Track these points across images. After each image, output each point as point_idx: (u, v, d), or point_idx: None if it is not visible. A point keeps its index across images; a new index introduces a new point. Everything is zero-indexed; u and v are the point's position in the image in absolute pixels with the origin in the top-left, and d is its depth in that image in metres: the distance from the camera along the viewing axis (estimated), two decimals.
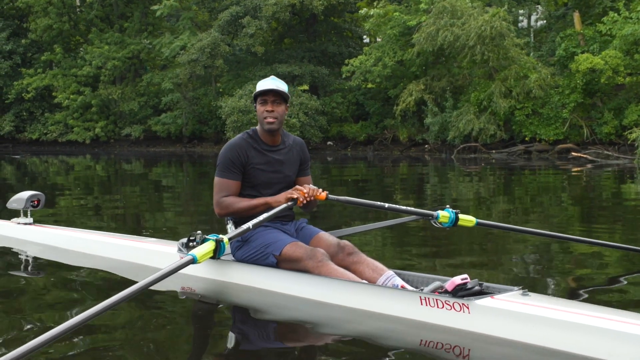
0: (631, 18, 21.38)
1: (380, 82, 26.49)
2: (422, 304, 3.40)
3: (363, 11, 26.94)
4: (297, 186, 3.99)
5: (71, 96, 33.33)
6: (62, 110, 34.05)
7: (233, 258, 4.18)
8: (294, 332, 3.53)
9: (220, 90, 31.09)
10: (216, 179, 4.10)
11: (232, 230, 4.03)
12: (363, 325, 3.44)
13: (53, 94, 34.41)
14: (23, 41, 35.34)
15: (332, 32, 32.08)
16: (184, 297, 4.13)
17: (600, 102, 22.83)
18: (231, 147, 4.09)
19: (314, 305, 3.70)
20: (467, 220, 4.28)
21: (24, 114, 35.29)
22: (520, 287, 3.47)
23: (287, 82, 28.43)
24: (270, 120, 4.05)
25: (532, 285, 4.32)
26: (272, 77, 4.17)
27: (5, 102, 34.86)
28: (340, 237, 4.21)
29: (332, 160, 23.22)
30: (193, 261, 3.37)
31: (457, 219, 4.21)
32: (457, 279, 3.42)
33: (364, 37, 35.62)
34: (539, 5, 28.21)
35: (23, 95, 34.09)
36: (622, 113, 21.85)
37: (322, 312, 3.65)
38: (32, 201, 5.64)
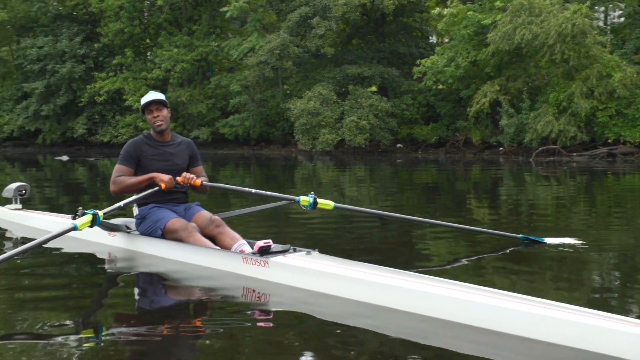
0: None
1: (452, 83, 25.69)
2: (243, 262, 4.63)
3: (436, 11, 26.21)
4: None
5: (141, 99, 33.62)
6: (133, 112, 34.51)
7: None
8: (170, 288, 4.69)
9: (288, 92, 30.88)
10: (116, 166, 5.30)
11: (136, 211, 5.36)
12: (209, 279, 4.67)
13: (124, 97, 34.96)
14: (96, 45, 36.05)
15: (402, 32, 31.40)
16: (101, 258, 5.52)
17: None
18: (130, 143, 5.36)
19: (183, 266, 4.94)
20: (326, 204, 5.26)
21: (96, 117, 35.93)
22: (314, 250, 4.63)
23: (356, 83, 27.98)
24: (159, 123, 5.34)
25: (334, 250, 5.25)
26: (151, 92, 5.50)
27: (78, 105, 35.59)
28: (224, 219, 5.30)
29: (401, 163, 22.58)
30: (74, 228, 4.55)
31: (315, 202, 5.20)
32: (260, 243, 4.49)
33: (430, 37, 34.86)
34: (621, 3, 26.86)
35: (95, 98, 34.72)
36: None
37: (187, 271, 4.85)
38: (19, 191, 7.14)
